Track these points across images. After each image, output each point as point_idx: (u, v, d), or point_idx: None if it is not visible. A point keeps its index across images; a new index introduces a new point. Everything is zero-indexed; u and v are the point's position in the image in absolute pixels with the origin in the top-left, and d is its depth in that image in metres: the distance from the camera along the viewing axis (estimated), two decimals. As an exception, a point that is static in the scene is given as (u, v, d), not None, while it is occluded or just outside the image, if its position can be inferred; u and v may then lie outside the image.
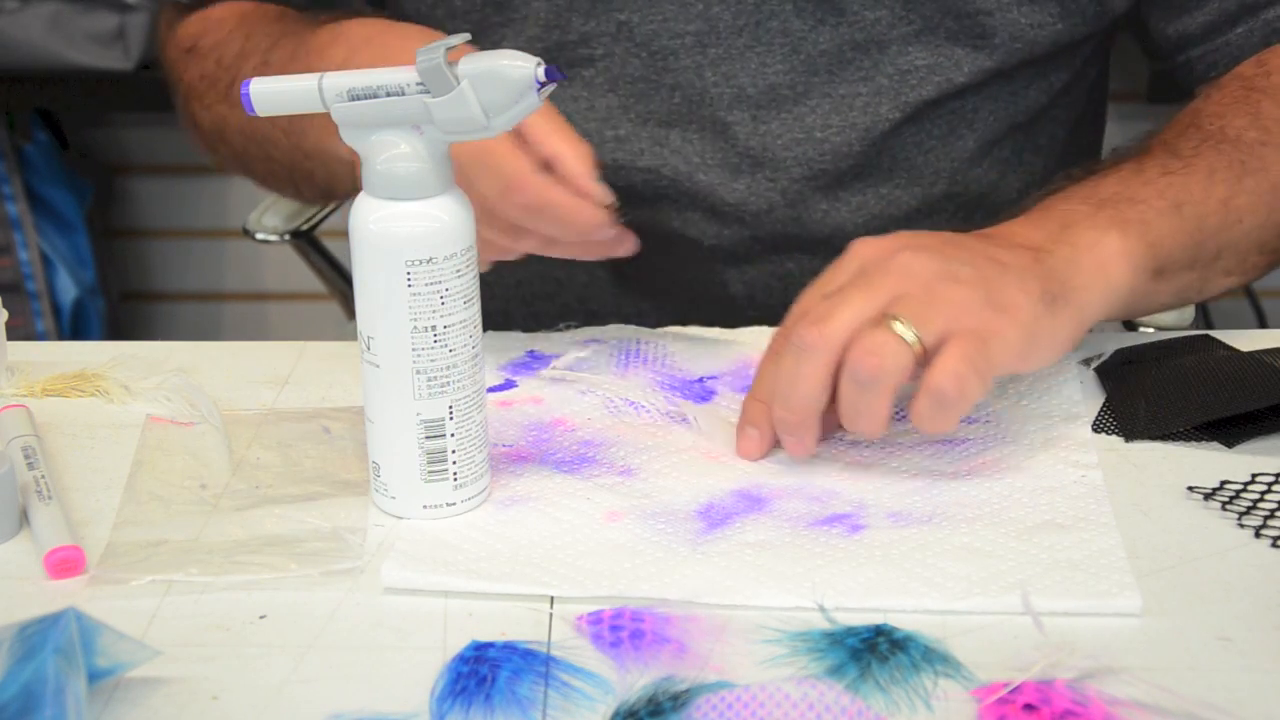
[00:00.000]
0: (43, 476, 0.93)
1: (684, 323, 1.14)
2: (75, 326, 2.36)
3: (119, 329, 2.49)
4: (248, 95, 0.88)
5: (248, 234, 1.67)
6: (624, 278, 1.22)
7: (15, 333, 1.09)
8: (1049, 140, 1.25)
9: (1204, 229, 1.05)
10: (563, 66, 1.18)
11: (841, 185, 1.19)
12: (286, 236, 1.66)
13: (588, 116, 1.19)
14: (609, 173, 1.19)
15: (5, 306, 1.08)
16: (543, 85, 0.85)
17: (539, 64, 0.85)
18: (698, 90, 1.17)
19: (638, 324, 1.13)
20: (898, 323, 0.89)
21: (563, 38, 1.17)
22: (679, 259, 1.21)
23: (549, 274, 1.24)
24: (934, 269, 0.92)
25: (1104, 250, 0.98)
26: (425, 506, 0.91)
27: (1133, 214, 1.01)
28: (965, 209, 1.21)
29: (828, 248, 1.20)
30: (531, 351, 1.09)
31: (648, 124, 1.19)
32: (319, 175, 1.17)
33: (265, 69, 1.15)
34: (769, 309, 1.21)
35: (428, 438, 0.89)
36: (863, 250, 0.95)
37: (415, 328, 0.87)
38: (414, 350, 0.88)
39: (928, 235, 0.97)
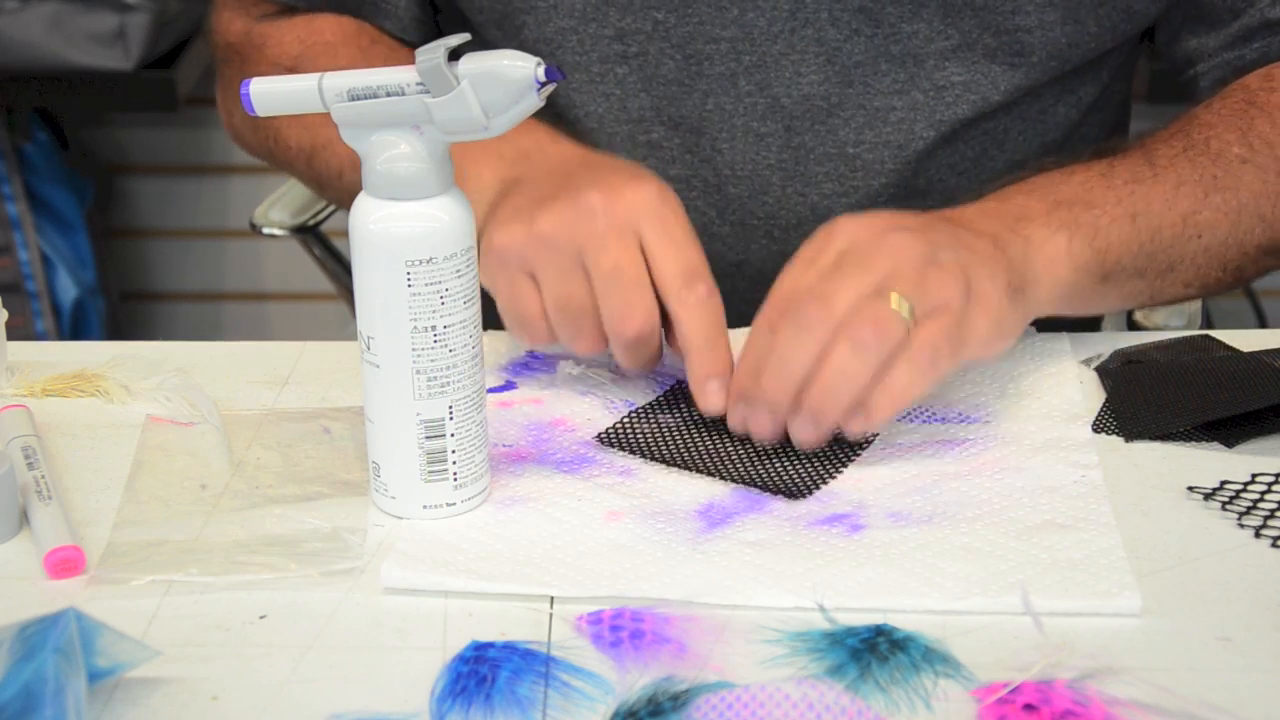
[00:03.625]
0: (43, 476, 0.93)
1: None
2: (75, 326, 2.36)
3: (119, 329, 2.49)
4: (248, 95, 0.88)
5: (254, 228, 1.66)
6: None
7: (15, 333, 1.09)
8: None
9: (1158, 240, 1.07)
10: (595, 62, 1.17)
11: (875, 205, 1.19)
12: (293, 231, 1.65)
13: (620, 118, 1.19)
14: None
15: (5, 306, 1.08)
16: (542, 85, 0.85)
17: (539, 64, 0.85)
18: (731, 97, 1.17)
19: None
20: (895, 296, 0.91)
21: (599, 31, 1.17)
22: None
23: None
24: (920, 252, 0.93)
25: (1051, 249, 1.01)
26: (425, 506, 0.90)
27: (1086, 218, 1.03)
28: None
29: None
30: (532, 351, 1.08)
31: (680, 129, 1.19)
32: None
33: None
34: None
35: (428, 438, 0.89)
36: (849, 227, 0.96)
37: (415, 328, 0.87)
38: (414, 350, 0.88)
39: (905, 216, 0.98)
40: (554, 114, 1.21)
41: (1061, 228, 1.02)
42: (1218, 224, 1.09)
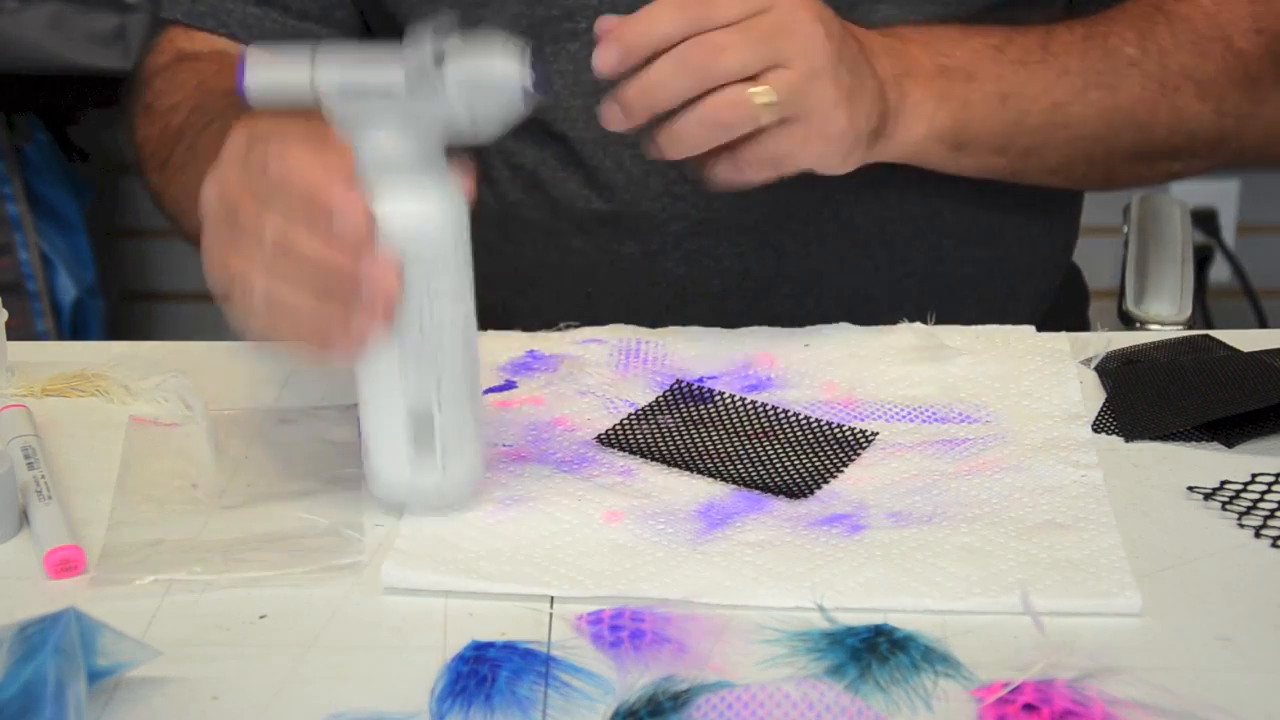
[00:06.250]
0: (43, 476, 0.93)
1: (678, 304, 1.15)
2: (75, 326, 2.36)
3: (119, 329, 2.49)
4: (242, 78, 0.88)
5: None
6: (618, 258, 1.21)
7: (15, 333, 1.09)
8: None
9: (1022, 124, 1.12)
10: (547, 41, 1.17)
11: None
12: None
13: (574, 92, 1.19)
14: (599, 147, 1.19)
15: (5, 306, 1.08)
16: (531, 90, 0.85)
17: (528, 70, 0.85)
18: None
19: (631, 305, 1.13)
20: (765, 89, 0.99)
21: (547, 13, 1.17)
22: (670, 234, 1.20)
23: (544, 259, 1.23)
24: (824, 58, 1.00)
25: (918, 112, 1.09)
26: (414, 493, 0.90)
27: (959, 91, 1.10)
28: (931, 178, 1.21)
29: (818, 219, 1.19)
30: (532, 351, 1.09)
31: None
32: None
33: (192, 153, 1.15)
34: (763, 280, 1.20)
35: (415, 428, 0.89)
36: (788, 6, 1.00)
37: (405, 322, 0.87)
38: (404, 343, 0.88)
39: (834, 19, 1.03)
40: None
41: (934, 96, 1.09)
42: (1087, 119, 1.13)
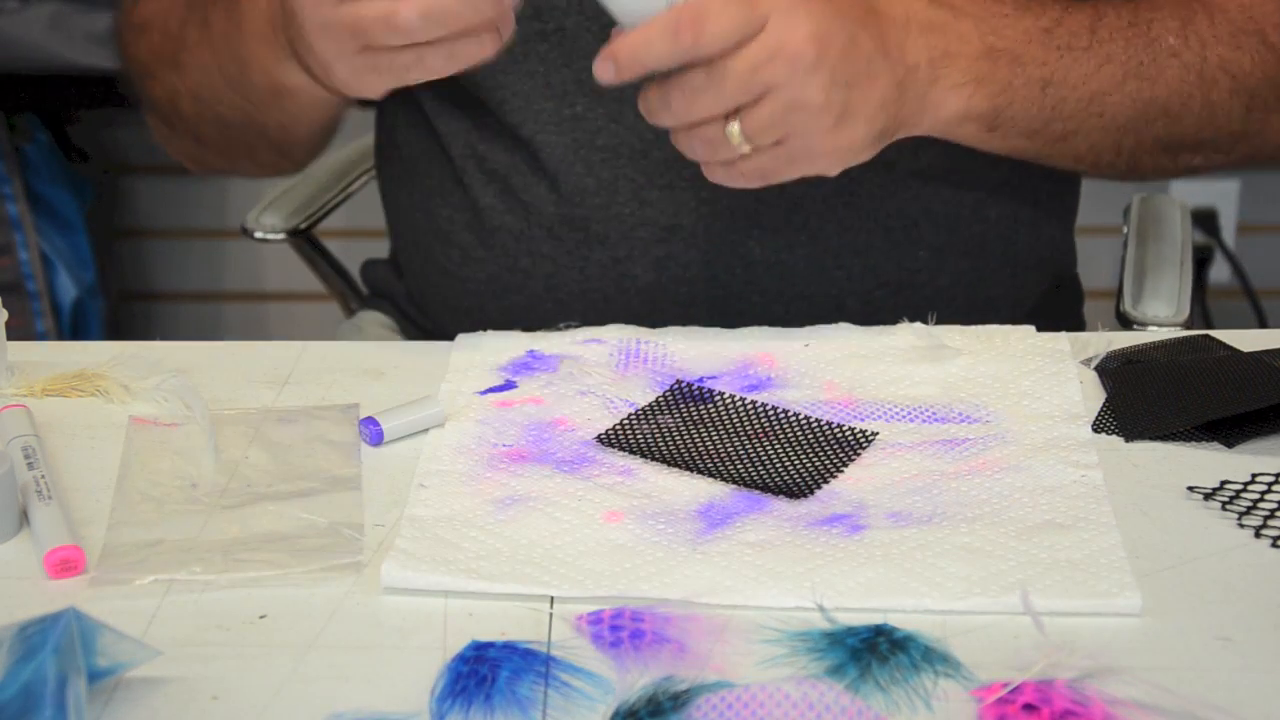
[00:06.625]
0: (43, 476, 0.93)
1: (646, 311, 1.15)
2: (75, 326, 2.36)
3: (119, 329, 2.49)
4: None
5: (246, 233, 1.66)
6: (587, 264, 1.21)
7: (15, 333, 1.09)
8: None
9: (1059, 111, 1.13)
10: (519, 40, 1.17)
11: None
12: (285, 235, 1.65)
13: (545, 94, 1.19)
14: (568, 151, 1.19)
15: (5, 306, 1.08)
16: None
17: None
18: None
19: (600, 311, 1.13)
20: (736, 131, 1.00)
21: (519, 11, 1.17)
22: (637, 241, 1.20)
23: (516, 265, 1.23)
24: (813, 89, 0.99)
25: (955, 96, 1.08)
26: None
27: (1003, 74, 1.10)
28: (928, 179, 1.21)
29: (787, 228, 1.19)
30: (532, 351, 1.09)
31: (603, 99, 1.18)
32: (271, 124, 1.18)
33: (205, 29, 1.15)
34: (731, 288, 1.20)
35: None
36: (783, 17, 0.99)
37: None
38: None
39: (841, 20, 1.01)
40: (477, 95, 1.20)
41: (974, 77, 1.09)
42: (1123, 108, 1.14)
